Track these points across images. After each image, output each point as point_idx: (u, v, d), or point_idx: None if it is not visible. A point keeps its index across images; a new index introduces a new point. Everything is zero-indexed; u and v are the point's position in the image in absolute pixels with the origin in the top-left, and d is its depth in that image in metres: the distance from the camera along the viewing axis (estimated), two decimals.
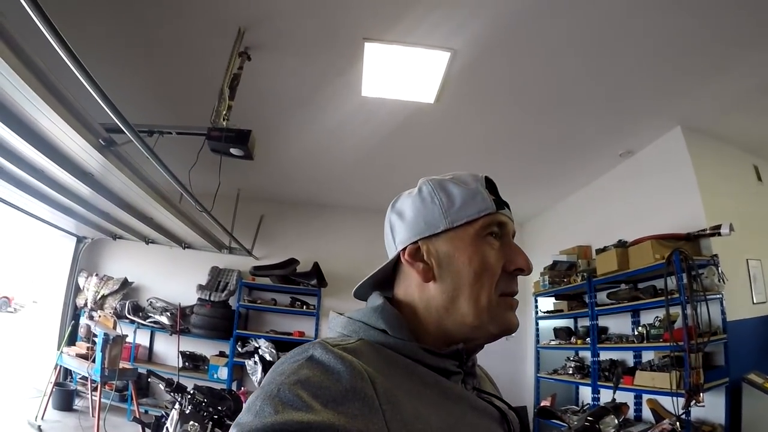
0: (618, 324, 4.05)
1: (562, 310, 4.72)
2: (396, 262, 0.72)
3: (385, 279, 0.74)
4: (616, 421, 2.29)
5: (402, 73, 2.99)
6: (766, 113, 3.41)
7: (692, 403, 2.69)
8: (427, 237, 0.68)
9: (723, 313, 3.07)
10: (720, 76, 2.96)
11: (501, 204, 0.70)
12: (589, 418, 2.27)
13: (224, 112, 2.55)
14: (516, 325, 0.67)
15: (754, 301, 3.43)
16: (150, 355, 5.71)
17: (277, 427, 0.44)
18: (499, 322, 0.65)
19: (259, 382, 4.80)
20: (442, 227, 0.67)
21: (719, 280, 3.05)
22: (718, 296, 3.06)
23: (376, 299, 0.69)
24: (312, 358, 0.53)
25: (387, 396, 0.52)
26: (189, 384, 3.31)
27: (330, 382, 0.50)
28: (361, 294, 0.77)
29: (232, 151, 2.51)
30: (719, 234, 3.06)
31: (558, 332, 4.70)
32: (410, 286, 0.70)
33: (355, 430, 0.46)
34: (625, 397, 3.18)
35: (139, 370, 4.57)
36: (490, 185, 0.73)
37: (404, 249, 0.69)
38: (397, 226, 0.72)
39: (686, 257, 2.99)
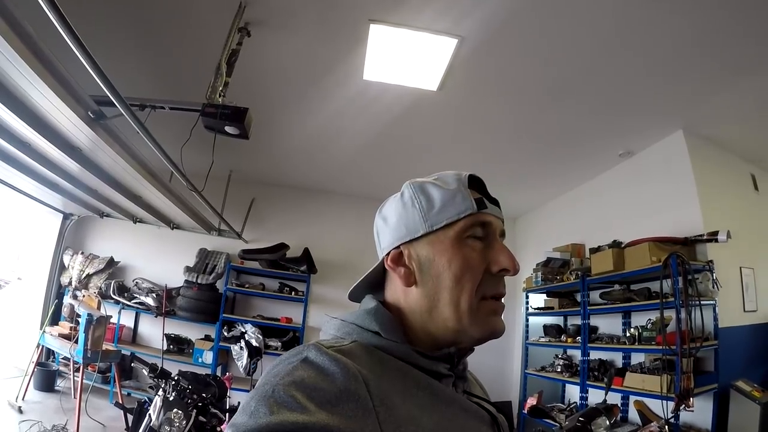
0: (608, 324, 4.05)
1: (552, 308, 4.72)
2: (384, 266, 0.72)
3: (378, 281, 0.75)
4: (608, 422, 2.29)
5: (406, 58, 2.91)
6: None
7: (681, 408, 2.70)
8: (408, 241, 0.68)
9: (715, 319, 3.08)
10: (730, 84, 2.95)
11: (483, 203, 0.68)
12: (580, 418, 2.26)
13: (220, 89, 2.45)
14: (501, 330, 0.66)
15: (745, 309, 3.45)
16: (134, 337, 5.63)
17: (272, 427, 0.44)
18: (481, 326, 0.65)
19: (245, 368, 4.79)
20: (422, 231, 0.67)
21: (713, 286, 3.05)
22: (711, 302, 3.06)
23: (369, 302, 0.70)
24: (306, 360, 0.54)
25: (380, 397, 0.53)
26: (173, 368, 3.26)
27: (324, 383, 0.51)
28: (355, 296, 0.78)
29: (227, 129, 2.41)
30: (716, 240, 3.07)
31: (548, 329, 4.71)
32: (396, 291, 0.70)
33: (348, 431, 0.47)
34: (613, 398, 3.18)
35: (123, 352, 4.50)
36: (476, 183, 0.71)
37: (388, 254, 0.70)
38: (381, 231, 0.73)
39: (683, 261, 2.97)
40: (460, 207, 0.66)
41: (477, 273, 0.64)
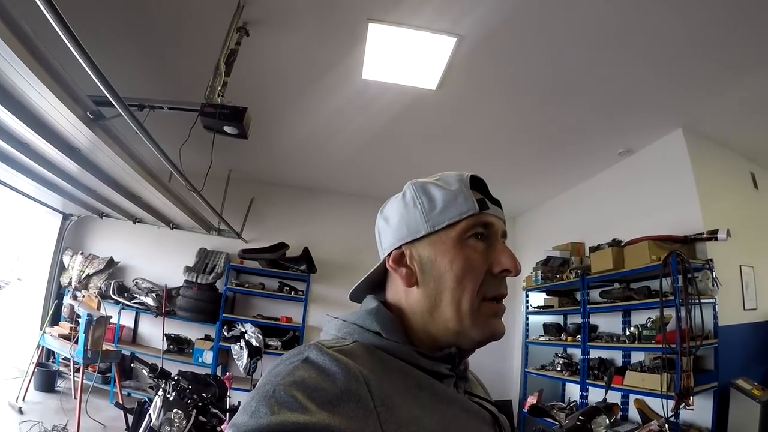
0: (608, 323, 4.05)
1: (552, 306, 4.72)
2: (386, 266, 0.72)
3: (379, 282, 0.75)
4: (608, 421, 2.29)
5: (405, 57, 2.91)
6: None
7: (682, 406, 2.70)
8: (410, 242, 0.68)
9: (715, 317, 3.07)
10: (730, 83, 2.96)
11: (485, 204, 0.68)
12: (580, 417, 2.25)
13: (219, 88, 2.45)
14: (501, 332, 0.66)
15: (745, 308, 3.45)
16: (134, 337, 5.63)
17: (273, 427, 0.44)
18: (482, 328, 0.64)
19: (245, 368, 4.78)
20: (424, 232, 0.67)
21: (713, 285, 3.05)
22: (711, 300, 3.06)
23: (370, 302, 0.70)
24: (307, 360, 0.54)
25: (381, 398, 0.53)
26: (173, 368, 3.25)
27: (325, 383, 0.51)
28: (357, 297, 0.78)
29: (226, 129, 2.40)
30: (716, 239, 3.06)
31: (547, 328, 4.71)
32: (398, 291, 0.70)
33: (350, 431, 0.46)
34: (613, 397, 3.18)
35: (123, 352, 4.50)
36: (478, 184, 0.71)
37: (389, 254, 0.70)
38: (383, 232, 0.73)
39: (683, 260, 2.97)
40: (462, 207, 0.66)
41: (479, 274, 0.64)
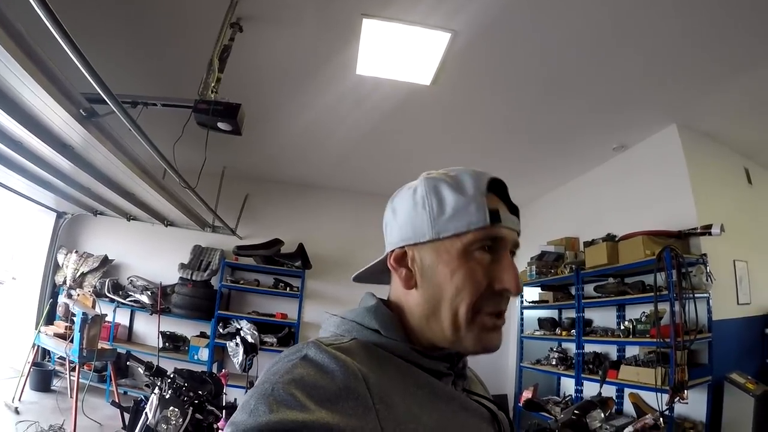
0: (602, 317, 4.07)
1: (547, 301, 4.74)
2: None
3: (384, 268, 0.73)
4: (602, 415, 2.31)
5: (399, 52, 2.90)
6: (761, 119, 3.45)
7: (676, 400, 2.72)
8: (413, 244, 0.66)
9: (709, 312, 3.09)
10: (724, 79, 2.97)
11: (497, 216, 0.63)
12: (575, 411, 2.27)
13: (213, 85, 2.43)
14: (496, 347, 0.65)
15: (739, 302, 3.47)
16: (130, 335, 5.62)
17: (271, 425, 0.44)
18: (476, 340, 0.63)
19: (240, 365, 4.77)
20: (428, 237, 0.64)
21: (707, 279, 3.07)
22: (705, 295, 3.08)
23: (369, 299, 0.70)
24: (306, 358, 0.54)
25: (380, 395, 0.53)
26: (169, 365, 3.25)
27: (324, 381, 0.50)
28: (363, 279, 0.78)
29: (220, 125, 2.39)
30: (710, 234, 3.09)
31: (542, 323, 4.73)
32: (398, 289, 0.69)
33: (349, 429, 0.46)
34: (608, 391, 3.20)
35: (119, 351, 4.49)
36: (497, 188, 0.67)
37: (391, 252, 0.69)
38: (389, 225, 0.72)
39: (677, 254, 2.99)
40: (472, 218, 0.62)
41: (479, 288, 0.62)
